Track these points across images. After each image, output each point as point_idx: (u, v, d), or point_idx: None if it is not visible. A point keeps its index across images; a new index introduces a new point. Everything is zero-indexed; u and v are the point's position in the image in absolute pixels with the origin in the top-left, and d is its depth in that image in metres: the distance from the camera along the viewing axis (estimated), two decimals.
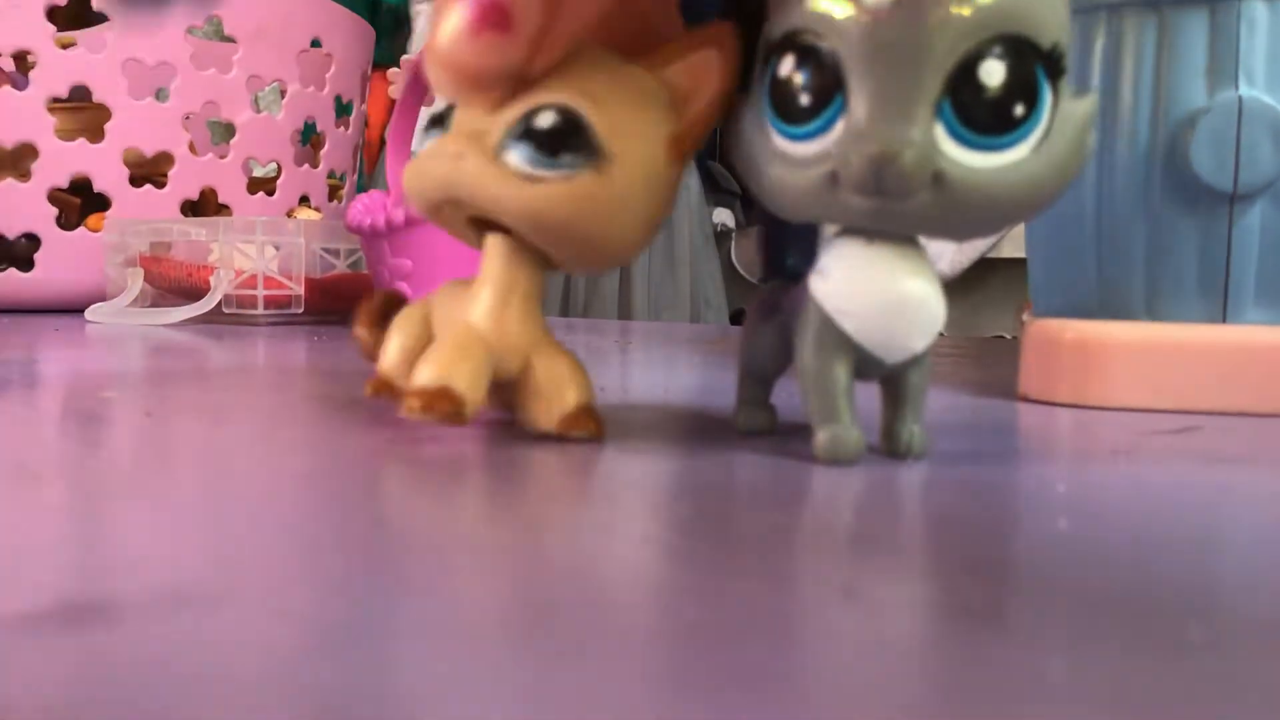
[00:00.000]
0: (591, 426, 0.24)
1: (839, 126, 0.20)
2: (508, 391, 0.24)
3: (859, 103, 0.20)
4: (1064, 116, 0.20)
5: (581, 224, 0.22)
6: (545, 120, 0.22)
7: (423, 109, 0.26)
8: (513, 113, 0.22)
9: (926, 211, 0.20)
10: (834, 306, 0.22)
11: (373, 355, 0.29)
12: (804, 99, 0.21)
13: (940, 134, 0.20)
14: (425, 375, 0.22)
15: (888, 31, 0.20)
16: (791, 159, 0.21)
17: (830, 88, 0.21)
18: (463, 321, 0.24)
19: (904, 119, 0.20)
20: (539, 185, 0.22)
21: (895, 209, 0.20)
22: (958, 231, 0.22)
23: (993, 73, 0.20)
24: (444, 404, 0.22)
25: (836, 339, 0.22)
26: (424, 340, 0.26)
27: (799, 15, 0.21)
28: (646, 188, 0.23)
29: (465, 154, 0.22)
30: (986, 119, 0.20)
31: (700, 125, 0.23)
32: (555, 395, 0.24)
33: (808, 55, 0.21)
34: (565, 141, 0.22)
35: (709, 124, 0.23)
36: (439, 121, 0.24)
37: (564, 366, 0.24)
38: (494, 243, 0.24)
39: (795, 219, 0.23)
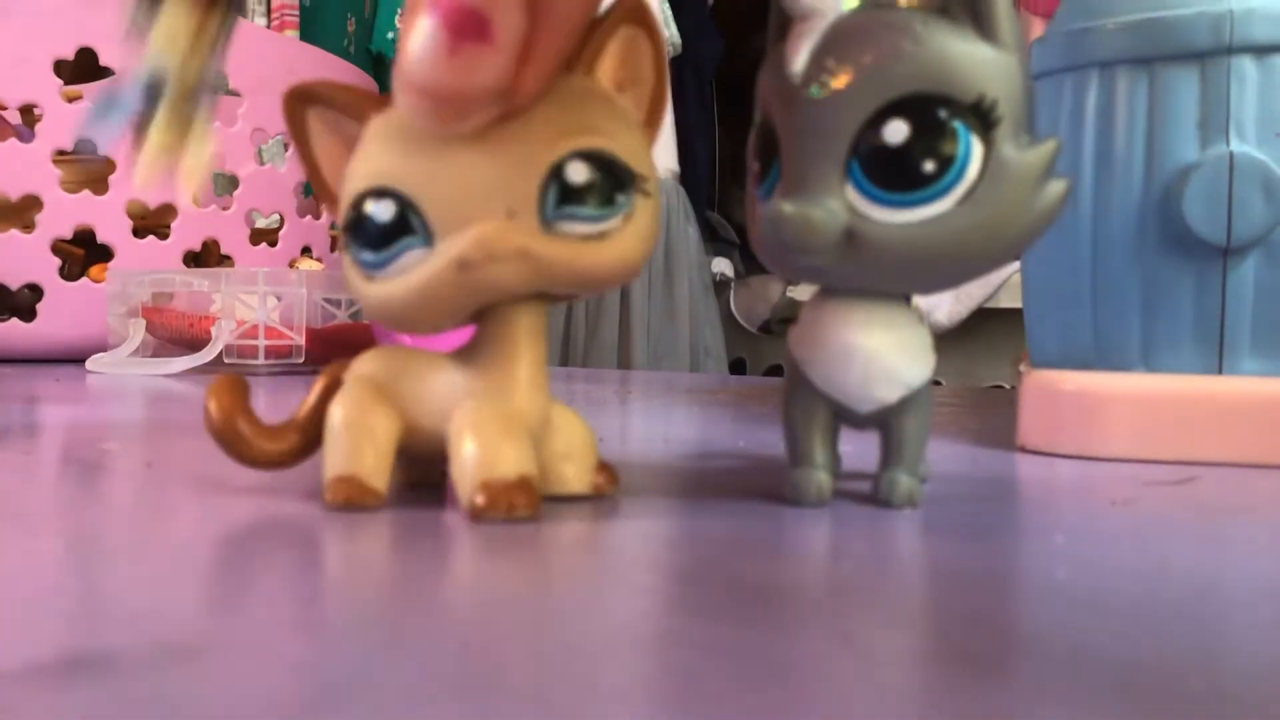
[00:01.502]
0: (614, 479, 0.24)
1: (777, 189, 0.22)
2: None
3: (783, 166, 0.22)
4: (1003, 168, 0.20)
5: (645, 253, 0.21)
6: (580, 174, 0.20)
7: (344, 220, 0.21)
8: (526, 176, 0.20)
9: (849, 267, 0.21)
10: (799, 356, 0.23)
11: (228, 440, 0.23)
12: (756, 165, 0.23)
13: (852, 193, 0.21)
14: (489, 469, 0.20)
15: (800, 99, 0.21)
16: (760, 219, 0.22)
17: (771, 153, 0.22)
18: (485, 398, 0.22)
19: (812, 181, 0.21)
20: (608, 240, 0.20)
21: (821, 265, 0.22)
22: (888, 284, 0.23)
23: (897, 132, 0.20)
24: (522, 496, 0.20)
25: (807, 386, 0.23)
26: (390, 426, 0.22)
27: (761, 88, 0.23)
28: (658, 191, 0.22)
29: (527, 248, 0.20)
30: (894, 177, 0.20)
31: (659, 109, 0.23)
32: (581, 456, 0.23)
33: (760, 124, 0.23)
34: (610, 184, 0.20)
35: (664, 103, 0.23)
36: (398, 230, 0.20)
37: (578, 424, 0.23)
38: (512, 312, 0.22)
39: (779, 275, 0.24)
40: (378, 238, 0.20)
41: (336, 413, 0.22)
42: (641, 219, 0.21)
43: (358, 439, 0.22)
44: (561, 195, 0.20)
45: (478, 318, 0.22)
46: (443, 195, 0.20)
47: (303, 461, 0.23)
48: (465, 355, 0.22)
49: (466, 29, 0.18)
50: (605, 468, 0.24)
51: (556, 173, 0.20)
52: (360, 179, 0.21)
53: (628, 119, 0.22)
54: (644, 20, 0.22)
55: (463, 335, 0.23)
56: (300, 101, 0.22)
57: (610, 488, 0.24)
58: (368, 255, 0.21)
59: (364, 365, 0.23)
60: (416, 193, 0.20)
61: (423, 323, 0.21)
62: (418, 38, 0.18)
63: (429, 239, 0.20)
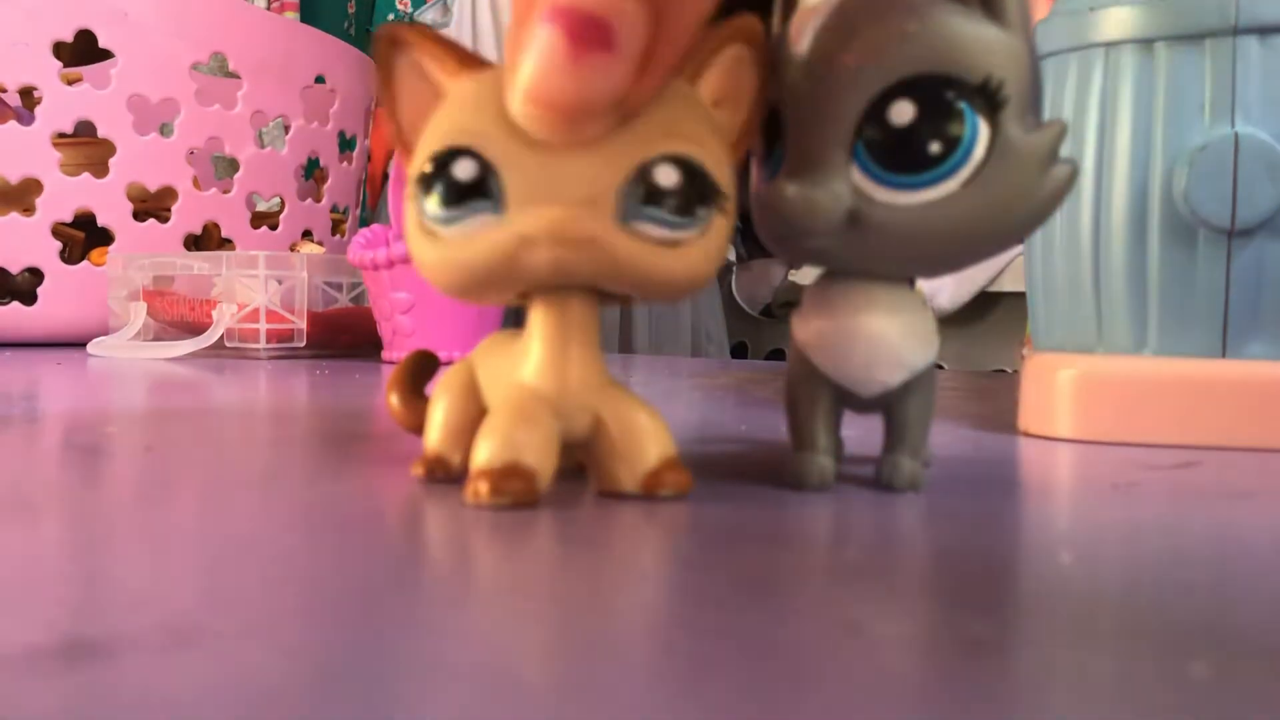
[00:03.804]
0: (679, 481, 0.22)
1: (781, 171, 0.22)
2: (579, 452, 0.22)
3: (787, 148, 0.21)
4: (1010, 149, 0.20)
5: (712, 272, 0.21)
6: (669, 178, 0.19)
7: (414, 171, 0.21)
8: (614, 168, 0.19)
9: (853, 249, 0.21)
10: (803, 340, 0.23)
11: (409, 424, 0.27)
12: (763, 145, 0.23)
13: (857, 175, 0.21)
14: (487, 453, 0.20)
15: (805, 79, 0.21)
16: (764, 201, 0.22)
17: (775, 135, 0.22)
18: (518, 383, 0.22)
19: (816, 162, 0.21)
20: (681, 250, 0.20)
21: (825, 248, 0.21)
22: (892, 267, 0.22)
23: (903, 112, 0.20)
24: (514, 483, 0.20)
25: (811, 370, 0.23)
26: (473, 408, 0.23)
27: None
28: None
29: (597, 236, 0.19)
30: (900, 158, 0.20)
31: (751, 131, 0.22)
32: (636, 452, 0.22)
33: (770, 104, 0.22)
34: (696, 195, 0.20)
35: (755, 130, 0.22)
36: (474, 191, 0.19)
37: (640, 418, 0.22)
38: (547, 295, 0.22)
39: (782, 259, 0.24)
40: (452, 194, 0.20)
41: (436, 392, 0.24)
42: (715, 236, 0.20)
43: (442, 418, 0.24)
44: (646, 195, 0.19)
45: (530, 301, 0.22)
46: (526, 167, 0.19)
47: None
48: (523, 344, 0.22)
49: (591, 37, 0.17)
50: (674, 469, 0.22)
51: (645, 172, 0.19)
52: (444, 135, 0.20)
53: (720, 135, 0.21)
54: (756, 43, 0.22)
55: None
56: (391, 45, 0.22)
57: (670, 491, 0.22)
58: (439, 210, 0.20)
59: (476, 349, 0.24)
60: (500, 159, 0.19)
61: (474, 292, 0.21)
62: (537, 47, 0.17)
63: (501, 207, 0.19)
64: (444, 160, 0.20)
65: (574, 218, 0.19)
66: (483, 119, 0.20)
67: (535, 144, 0.19)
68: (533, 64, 0.18)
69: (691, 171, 0.20)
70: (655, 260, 0.20)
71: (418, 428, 0.26)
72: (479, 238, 0.20)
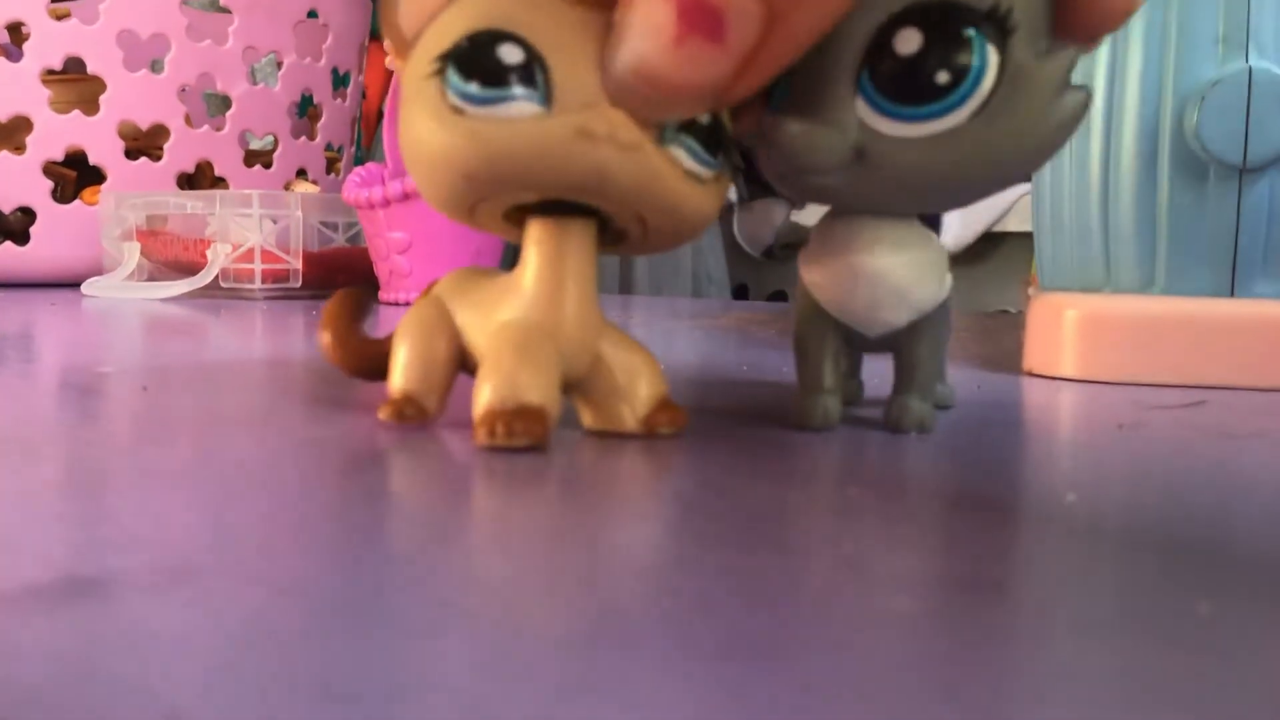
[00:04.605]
0: (676, 419, 0.22)
1: (785, 104, 0.21)
2: (570, 391, 0.22)
3: (791, 81, 0.21)
4: (1020, 78, 0.19)
5: (710, 221, 0.21)
6: (702, 115, 0.20)
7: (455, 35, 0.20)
8: None
9: (859, 185, 0.21)
10: (808, 279, 0.23)
11: (345, 364, 0.25)
12: None
13: (863, 107, 0.20)
14: (497, 394, 0.20)
15: None
16: (768, 137, 0.21)
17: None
18: (517, 320, 0.21)
19: (821, 95, 0.20)
20: (701, 188, 0.20)
21: (829, 185, 0.21)
22: (900, 202, 0.22)
23: (909, 41, 0.19)
24: (529, 424, 0.20)
25: (818, 311, 0.23)
26: (443, 345, 0.22)
27: None
28: None
29: (643, 145, 0.19)
30: (906, 89, 0.19)
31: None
32: (635, 391, 0.22)
33: None
34: (719, 140, 0.20)
35: None
36: (517, 75, 0.19)
37: (637, 358, 0.22)
38: (544, 226, 0.21)
39: (786, 196, 0.23)
40: (494, 74, 0.19)
41: (399, 331, 0.23)
42: (722, 187, 0.21)
43: (410, 358, 0.22)
44: (680, 124, 0.19)
45: (528, 236, 0.21)
46: (574, 65, 0.19)
47: None
48: (515, 279, 0.22)
49: (700, 24, 0.17)
50: (669, 407, 0.22)
51: None
52: (481, 18, 0.19)
53: None
54: None
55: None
56: None
57: (669, 429, 0.22)
58: (472, 88, 0.19)
59: (439, 284, 0.23)
60: (549, 52, 0.19)
61: (488, 182, 0.20)
62: (648, 20, 0.17)
63: (547, 99, 0.19)
64: (484, 41, 0.19)
65: (627, 122, 0.19)
66: (526, 8, 0.19)
67: (592, 47, 0.19)
68: (639, 36, 0.18)
69: (716, 115, 0.20)
70: (680, 188, 0.20)
71: (355, 369, 0.25)
72: (521, 124, 0.19)
